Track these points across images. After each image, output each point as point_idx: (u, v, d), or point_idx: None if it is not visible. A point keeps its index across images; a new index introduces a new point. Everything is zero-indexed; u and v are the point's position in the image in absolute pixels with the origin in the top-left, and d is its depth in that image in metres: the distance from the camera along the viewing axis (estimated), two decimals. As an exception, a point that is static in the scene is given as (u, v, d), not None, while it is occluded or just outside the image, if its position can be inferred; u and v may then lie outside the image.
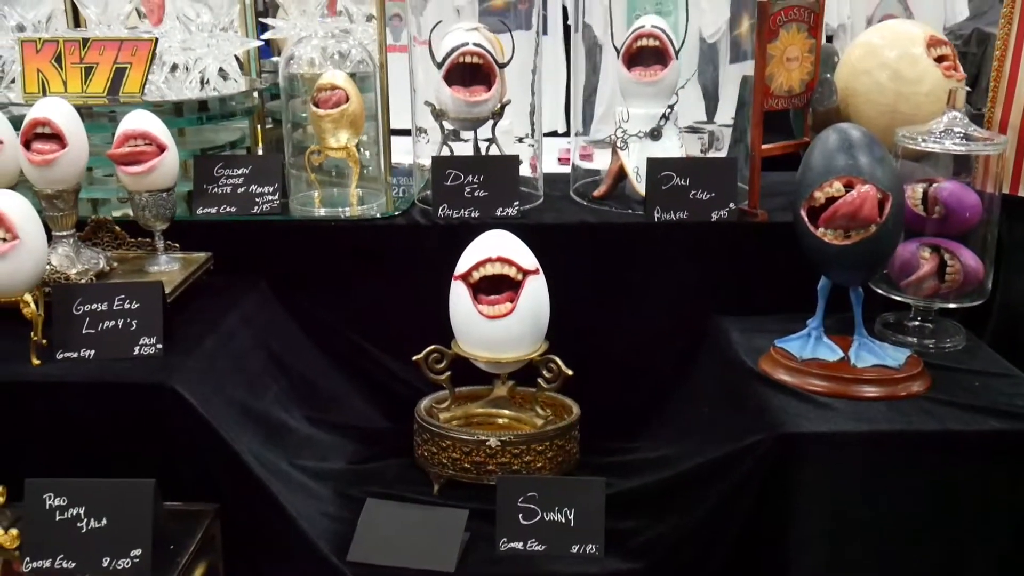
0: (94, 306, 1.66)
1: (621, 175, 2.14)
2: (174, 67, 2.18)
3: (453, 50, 2.01)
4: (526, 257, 1.75)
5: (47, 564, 1.41)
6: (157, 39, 2.04)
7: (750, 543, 1.59)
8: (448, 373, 1.83)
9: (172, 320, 1.72)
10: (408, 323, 2.00)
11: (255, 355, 1.88)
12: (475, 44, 2.01)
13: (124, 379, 1.61)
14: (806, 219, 1.62)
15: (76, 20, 2.28)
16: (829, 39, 4.26)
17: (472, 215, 2.01)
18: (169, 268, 1.88)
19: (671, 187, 2.00)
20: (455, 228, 2.00)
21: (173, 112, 2.07)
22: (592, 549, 1.62)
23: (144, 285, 1.71)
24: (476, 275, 1.74)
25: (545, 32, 2.26)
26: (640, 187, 2.07)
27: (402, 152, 2.27)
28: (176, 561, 1.42)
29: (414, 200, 2.15)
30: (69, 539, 1.41)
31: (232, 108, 2.19)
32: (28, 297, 1.59)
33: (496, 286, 1.75)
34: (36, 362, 1.63)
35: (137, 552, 1.40)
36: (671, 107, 2.11)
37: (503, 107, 2.09)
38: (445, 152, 2.12)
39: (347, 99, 1.98)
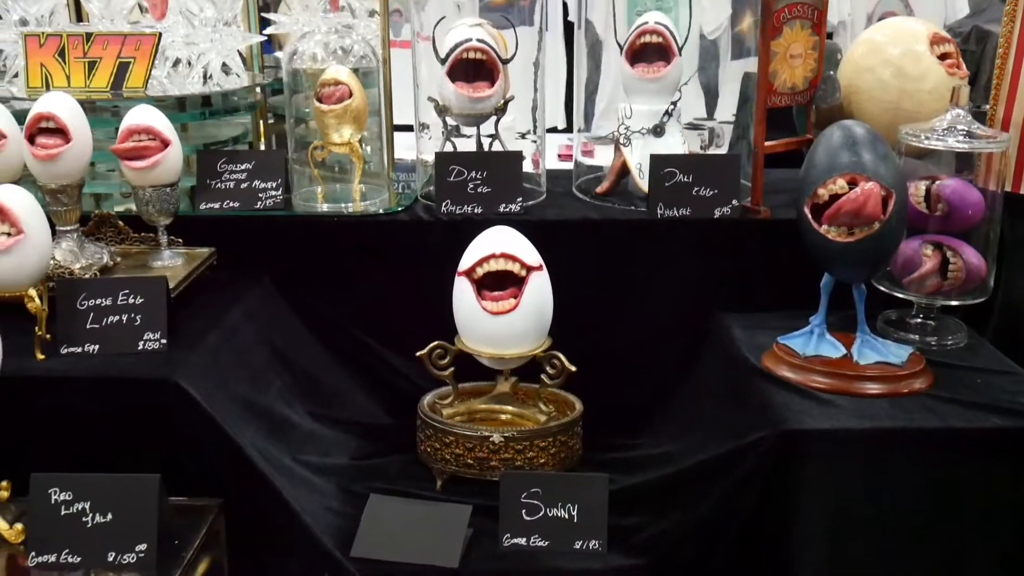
0: (98, 301, 1.66)
1: (624, 171, 2.14)
2: (176, 62, 2.18)
3: (456, 46, 2.01)
4: (530, 253, 1.75)
5: (52, 558, 1.41)
6: (161, 34, 2.04)
7: (753, 539, 1.60)
8: (451, 369, 1.84)
9: (176, 315, 1.72)
10: (411, 319, 2.01)
11: (258, 350, 1.88)
12: (479, 40, 2.01)
13: (128, 374, 1.62)
14: (810, 216, 1.63)
15: (79, 15, 2.28)
16: (830, 36, 4.25)
17: (475, 211, 2.01)
18: (172, 263, 1.89)
19: (674, 184, 2.00)
20: (458, 224, 2.00)
21: (176, 107, 2.07)
22: (595, 545, 1.62)
23: (148, 280, 1.71)
24: (480, 271, 1.74)
25: (545, 28, 2.25)
26: (643, 183, 2.07)
27: (402, 148, 2.27)
28: (181, 556, 1.42)
29: (417, 196, 2.15)
30: (74, 534, 1.41)
31: (235, 103, 2.19)
32: (32, 292, 1.59)
33: (500, 282, 1.75)
34: (40, 357, 1.63)
35: (142, 547, 1.40)
36: (674, 104, 2.11)
37: (506, 103, 2.09)
38: (448, 148, 2.12)
39: (350, 95, 1.99)
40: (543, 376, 1.81)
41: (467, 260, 1.75)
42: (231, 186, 2.03)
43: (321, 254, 2.05)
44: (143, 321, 1.66)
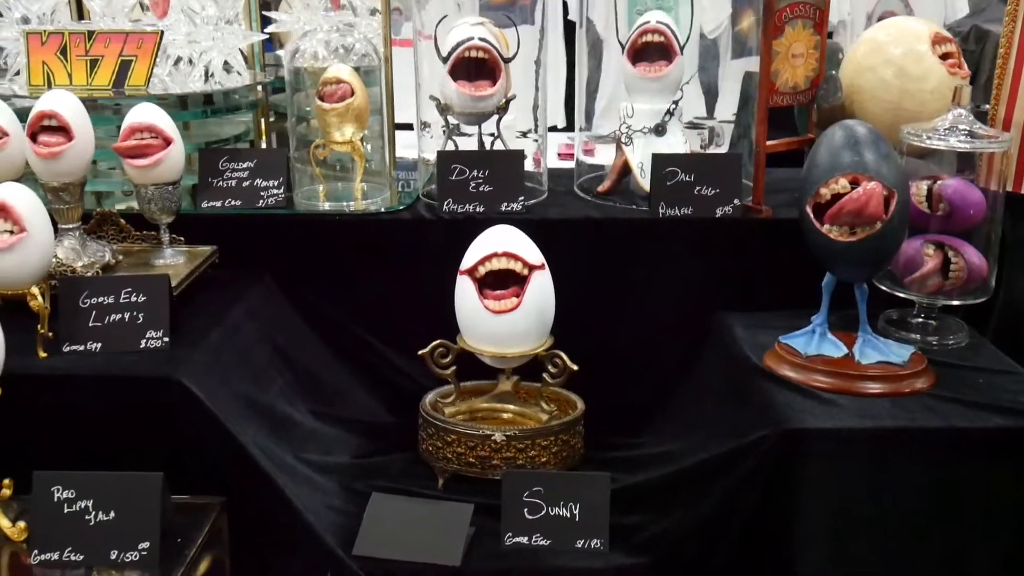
0: (101, 299, 1.66)
1: (625, 171, 2.14)
2: (178, 60, 2.17)
3: (458, 45, 2.01)
4: (532, 252, 1.75)
5: (55, 556, 1.41)
6: (163, 32, 2.04)
7: (755, 538, 1.60)
8: (453, 368, 1.84)
9: (178, 313, 1.72)
10: (412, 318, 2.01)
11: (260, 348, 1.88)
12: (480, 39, 2.01)
13: (130, 372, 1.62)
14: (812, 216, 1.63)
15: (80, 12, 2.28)
16: (829, 35, 4.25)
17: (477, 210, 2.02)
18: (175, 261, 1.89)
19: (676, 183, 2.00)
20: (460, 223, 2.00)
21: (178, 105, 2.06)
22: (597, 544, 1.63)
23: (151, 278, 1.71)
24: (482, 270, 1.74)
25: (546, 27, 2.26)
26: (644, 183, 2.07)
27: (402, 146, 2.27)
28: (184, 554, 1.42)
29: (418, 195, 2.15)
30: (77, 532, 1.41)
31: (236, 102, 2.19)
32: (35, 290, 1.59)
33: (502, 281, 1.75)
34: (43, 355, 1.63)
35: (145, 545, 1.40)
36: (676, 103, 2.11)
37: (508, 102, 2.09)
38: (450, 147, 2.12)
39: (352, 93, 1.99)
40: (545, 375, 1.82)
41: (469, 259, 1.76)
42: (233, 184, 2.03)
43: (323, 253, 2.05)
44: (145, 319, 1.66)
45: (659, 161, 2.00)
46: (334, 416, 1.96)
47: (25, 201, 1.55)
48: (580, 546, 1.63)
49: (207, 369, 1.66)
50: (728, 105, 2.66)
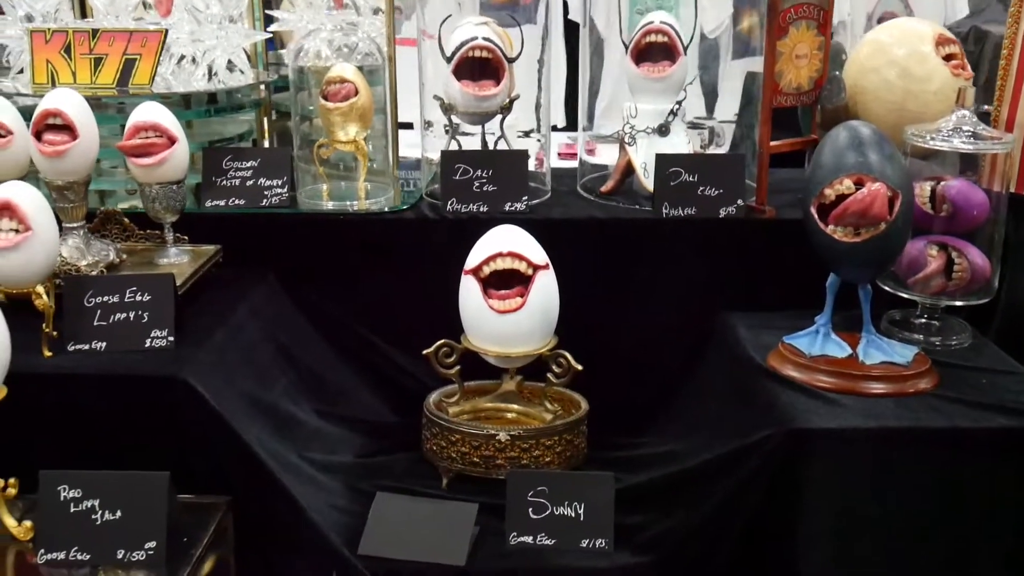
0: (105, 298, 1.66)
1: (629, 171, 2.15)
2: (181, 58, 2.17)
3: (462, 44, 2.01)
4: (536, 252, 1.75)
5: (61, 556, 1.40)
6: (167, 31, 2.04)
7: (758, 538, 1.60)
8: (458, 367, 1.84)
9: (182, 312, 1.72)
10: (416, 317, 2.01)
11: (264, 348, 1.88)
12: (484, 39, 2.01)
13: (136, 371, 1.62)
14: (816, 216, 1.63)
15: (83, 11, 2.27)
16: (830, 35, 4.25)
17: (481, 209, 2.02)
18: (178, 260, 1.88)
19: (679, 183, 2.00)
20: (463, 222, 2.00)
21: (181, 104, 2.06)
22: (602, 543, 1.63)
23: (156, 277, 1.71)
24: (487, 270, 1.74)
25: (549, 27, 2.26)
26: (648, 183, 2.07)
27: (403, 145, 2.27)
28: (190, 553, 1.42)
29: (422, 194, 2.15)
30: (83, 531, 1.41)
31: (240, 101, 2.19)
32: (40, 289, 1.59)
33: (506, 281, 1.75)
34: (47, 354, 1.63)
35: (151, 544, 1.40)
36: (679, 103, 2.11)
37: (511, 101, 2.09)
38: (453, 146, 2.13)
39: (356, 92, 1.98)
40: (549, 375, 1.82)
41: (474, 259, 1.76)
42: (237, 183, 2.03)
43: (326, 252, 2.05)
44: (150, 318, 1.66)
45: (663, 161, 2.01)
46: (338, 415, 1.96)
47: (30, 200, 1.55)
48: (584, 546, 1.63)
49: (212, 368, 1.66)
50: (728, 105, 2.66)
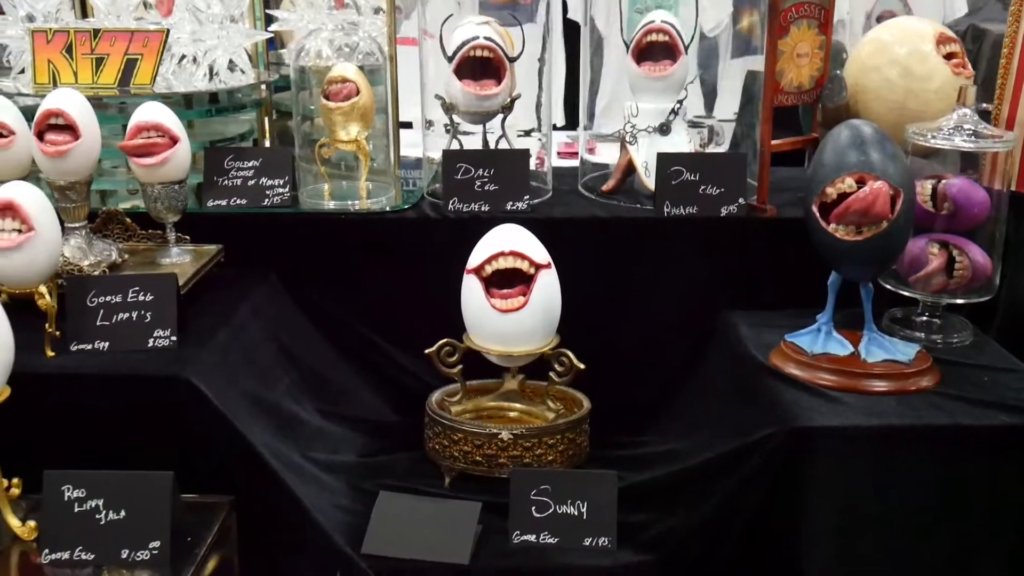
0: (108, 298, 1.66)
1: (630, 170, 2.15)
2: (182, 58, 2.17)
3: (464, 44, 2.01)
4: (538, 251, 1.76)
5: (65, 556, 1.40)
6: (169, 30, 2.04)
7: (761, 536, 1.61)
8: (460, 366, 1.84)
9: (184, 312, 1.72)
10: (417, 316, 2.01)
11: (266, 347, 1.89)
12: (486, 38, 2.01)
13: (139, 371, 1.62)
14: (818, 215, 1.63)
15: (83, 10, 2.27)
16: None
17: (482, 209, 2.02)
18: (180, 260, 1.89)
19: (680, 182, 2.00)
20: (465, 222, 2.00)
21: (183, 104, 2.06)
22: (605, 542, 1.63)
23: (158, 277, 1.71)
24: (489, 269, 1.74)
25: (550, 26, 2.26)
26: (649, 182, 2.08)
27: (404, 145, 2.27)
28: (194, 553, 1.42)
29: (423, 193, 2.15)
30: (87, 531, 1.40)
31: (241, 100, 2.19)
32: (43, 289, 1.59)
33: (508, 280, 1.75)
34: (50, 354, 1.63)
35: (156, 544, 1.40)
36: (680, 102, 2.11)
37: (513, 101, 2.09)
38: (454, 146, 2.13)
39: (358, 92, 1.98)
40: (551, 374, 1.82)
41: (476, 258, 1.76)
42: (238, 183, 2.03)
43: (328, 251, 2.05)
44: (153, 318, 1.66)
45: (664, 160, 2.01)
46: (340, 415, 1.96)
47: (33, 200, 1.55)
48: (588, 544, 1.63)
49: (215, 368, 1.67)
50: (727, 104, 2.66)
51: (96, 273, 1.75)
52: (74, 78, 2.00)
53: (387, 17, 2.12)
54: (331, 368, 2.03)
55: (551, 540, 1.63)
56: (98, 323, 1.65)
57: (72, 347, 1.65)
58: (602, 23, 2.36)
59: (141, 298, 1.66)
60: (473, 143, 2.15)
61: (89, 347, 1.65)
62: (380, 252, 2.04)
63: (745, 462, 1.60)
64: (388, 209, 2.06)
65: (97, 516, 1.41)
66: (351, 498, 1.74)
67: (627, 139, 2.13)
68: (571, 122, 3.57)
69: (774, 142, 2.00)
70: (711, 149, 2.48)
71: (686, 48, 2.07)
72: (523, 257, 1.74)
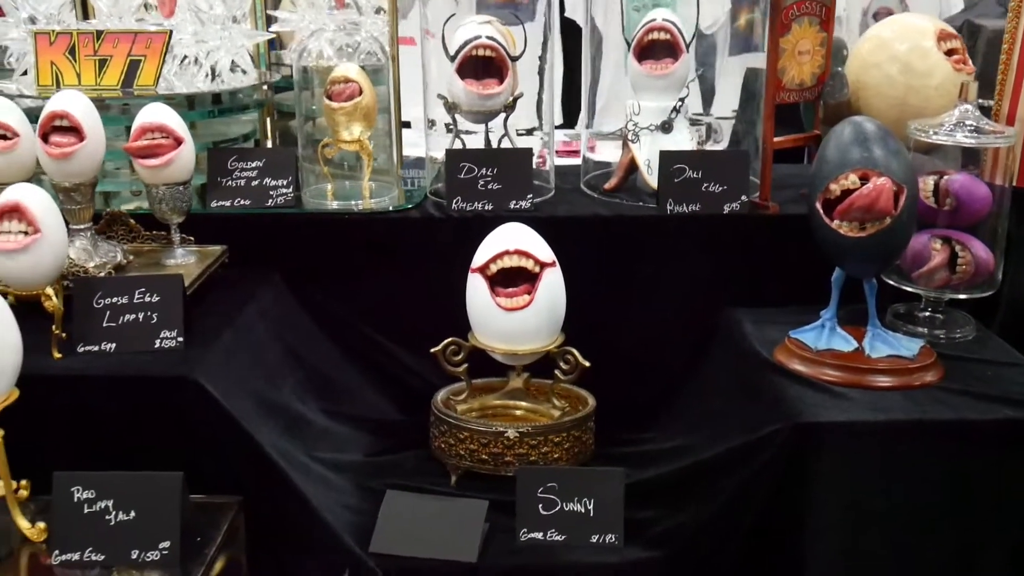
0: (114, 299, 1.66)
1: (632, 168, 2.15)
2: (184, 59, 2.17)
3: (466, 43, 2.02)
4: (543, 250, 1.76)
5: (76, 557, 1.40)
6: (171, 32, 2.04)
7: (767, 532, 1.61)
8: (465, 365, 1.84)
9: (190, 313, 1.72)
10: (421, 316, 2.01)
11: (271, 348, 1.89)
12: (488, 37, 2.01)
13: (145, 372, 1.62)
14: (821, 211, 1.64)
15: (85, 12, 2.27)
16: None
17: (486, 208, 2.02)
18: (185, 261, 1.89)
19: (683, 180, 2.01)
20: (468, 221, 2.01)
21: (185, 105, 2.06)
22: (612, 539, 1.63)
23: (165, 278, 1.71)
24: (494, 267, 1.74)
25: (550, 25, 2.26)
26: (652, 180, 2.08)
27: (406, 145, 2.28)
28: (204, 553, 1.42)
29: (426, 193, 2.15)
30: (97, 532, 1.41)
31: (244, 101, 2.19)
32: (50, 290, 1.59)
33: (513, 279, 1.76)
34: (57, 356, 1.63)
35: (166, 544, 1.40)
36: (682, 100, 2.12)
37: (515, 100, 2.10)
38: (457, 145, 2.13)
39: (360, 92, 1.99)
40: (556, 372, 1.83)
41: (480, 257, 1.76)
42: (242, 184, 2.04)
43: (331, 251, 2.05)
44: (159, 319, 1.67)
45: (666, 158, 2.01)
46: (345, 414, 1.96)
47: (39, 202, 1.55)
48: (595, 541, 1.63)
49: (221, 368, 1.67)
50: (725, 102, 2.67)
51: (102, 275, 1.75)
52: (77, 80, 2.00)
53: (389, 17, 2.13)
54: (336, 368, 2.03)
55: (558, 538, 1.64)
56: (104, 324, 1.65)
57: (79, 349, 1.65)
58: (600, 22, 2.36)
59: (147, 299, 1.66)
60: (475, 142, 2.15)
61: (96, 348, 1.65)
62: (384, 252, 2.05)
63: (751, 458, 1.60)
64: (391, 209, 2.06)
65: (107, 517, 1.41)
66: (358, 497, 1.75)
67: (629, 137, 2.13)
68: (568, 121, 3.57)
69: (776, 139, 2.01)
70: (709, 146, 2.49)
71: (687, 46, 2.08)
72: (528, 256, 1.74)
